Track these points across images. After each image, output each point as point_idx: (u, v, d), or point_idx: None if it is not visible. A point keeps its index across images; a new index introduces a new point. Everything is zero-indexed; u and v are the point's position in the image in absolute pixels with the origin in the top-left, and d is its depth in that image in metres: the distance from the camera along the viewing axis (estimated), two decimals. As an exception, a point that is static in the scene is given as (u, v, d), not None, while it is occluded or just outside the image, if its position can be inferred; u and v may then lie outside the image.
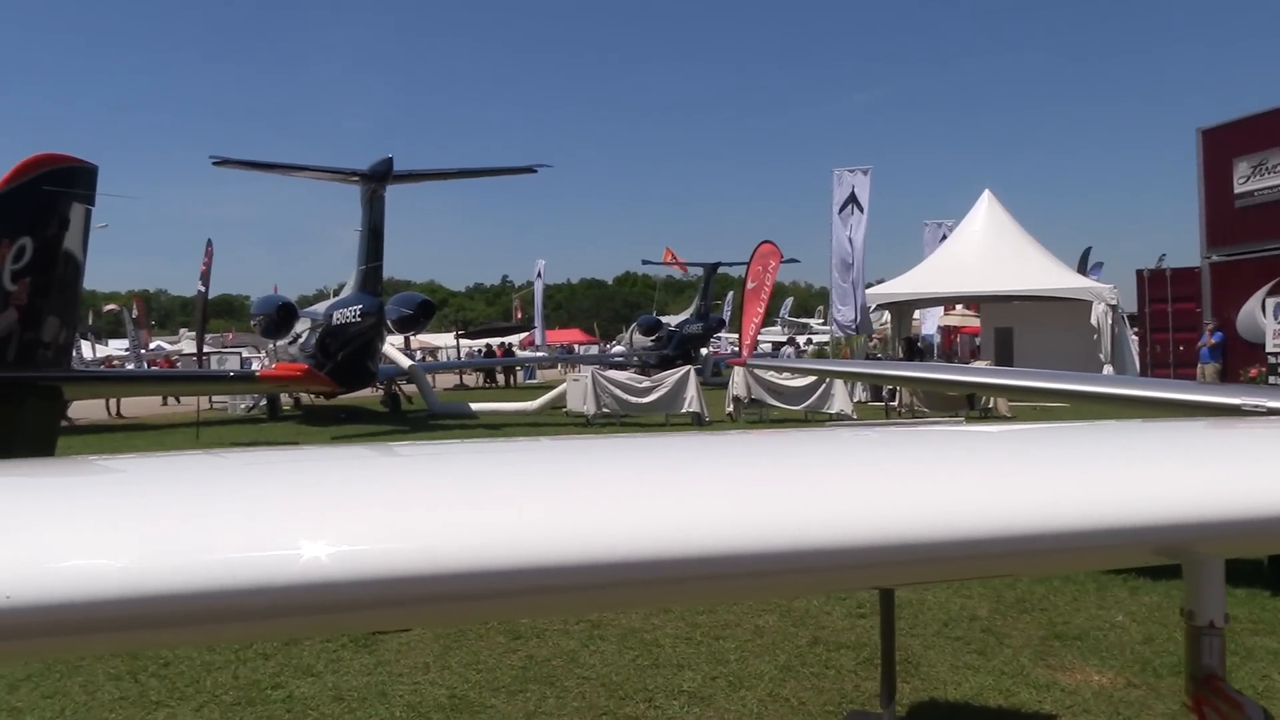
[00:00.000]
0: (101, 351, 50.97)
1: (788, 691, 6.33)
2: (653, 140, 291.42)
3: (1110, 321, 29.64)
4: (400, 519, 1.54)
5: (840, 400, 24.64)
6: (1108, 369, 28.30)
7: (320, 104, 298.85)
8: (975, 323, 45.54)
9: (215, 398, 33.18)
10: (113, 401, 32.67)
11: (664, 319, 51.87)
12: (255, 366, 35.41)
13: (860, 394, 29.23)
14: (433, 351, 59.11)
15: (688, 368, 26.90)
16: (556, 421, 26.50)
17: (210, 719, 5.94)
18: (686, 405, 25.04)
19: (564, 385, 28.34)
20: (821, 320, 72.85)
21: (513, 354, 53.60)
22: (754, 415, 25.60)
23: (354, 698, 6.26)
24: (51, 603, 1.34)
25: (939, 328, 49.66)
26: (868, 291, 32.87)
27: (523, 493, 1.71)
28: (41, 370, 8.41)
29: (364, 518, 1.54)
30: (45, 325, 8.40)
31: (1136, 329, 30.07)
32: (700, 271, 50.99)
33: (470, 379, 49.55)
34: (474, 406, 29.89)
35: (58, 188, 8.54)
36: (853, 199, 31.63)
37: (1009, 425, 8.55)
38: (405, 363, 33.62)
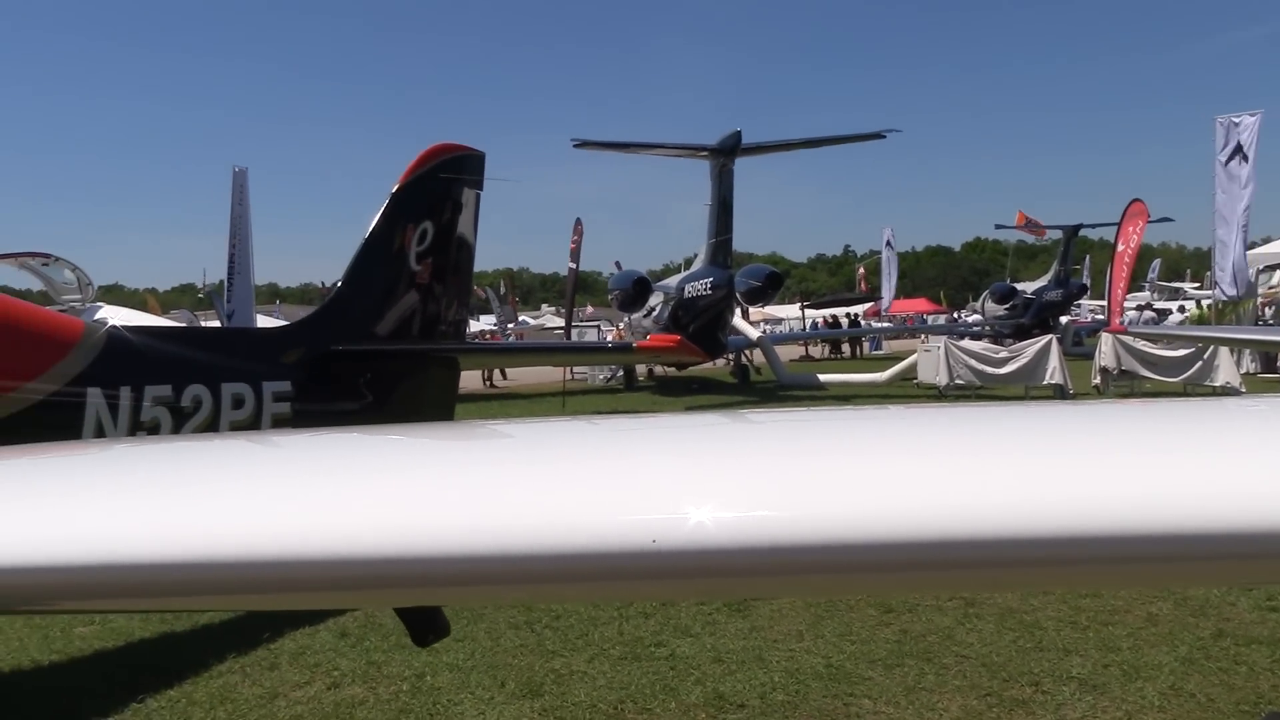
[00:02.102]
0: (475, 326, 55.30)
1: (1192, 686, 5.84)
2: (1005, 93, 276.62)
3: None
4: (788, 487, 1.51)
5: (1226, 371, 22.36)
6: None
7: (660, 80, 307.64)
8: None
9: (577, 369, 35.10)
10: (487, 372, 35.33)
11: (1018, 286, 49.30)
12: (609, 339, 37.05)
13: (1249, 364, 26.45)
14: (775, 323, 59.48)
15: (1049, 337, 25.39)
16: (907, 393, 25.90)
17: (600, 670, 6.28)
18: (1048, 377, 23.64)
19: (915, 355, 27.59)
20: (1197, 284, 66.50)
21: (858, 325, 52.90)
22: (1124, 387, 23.79)
23: (732, 660, 6.41)
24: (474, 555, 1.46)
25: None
26: (1253, 252, 29.62)
27: (898, 462, 1.64)
28: (441, 343, 9.19)
29: (748, 484, 1.53)
30: (444, 302, 9.17)
31: None
32: (1059, 235, 47.97)
33: (815, 350, 49.45)
34: (821, 378, 29.78)
35: (452, 174, 9.25)
36: (1239, 149, 28.53)
37: None
38: (753, 334, 34.01)
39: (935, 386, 24.78)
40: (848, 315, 55.64)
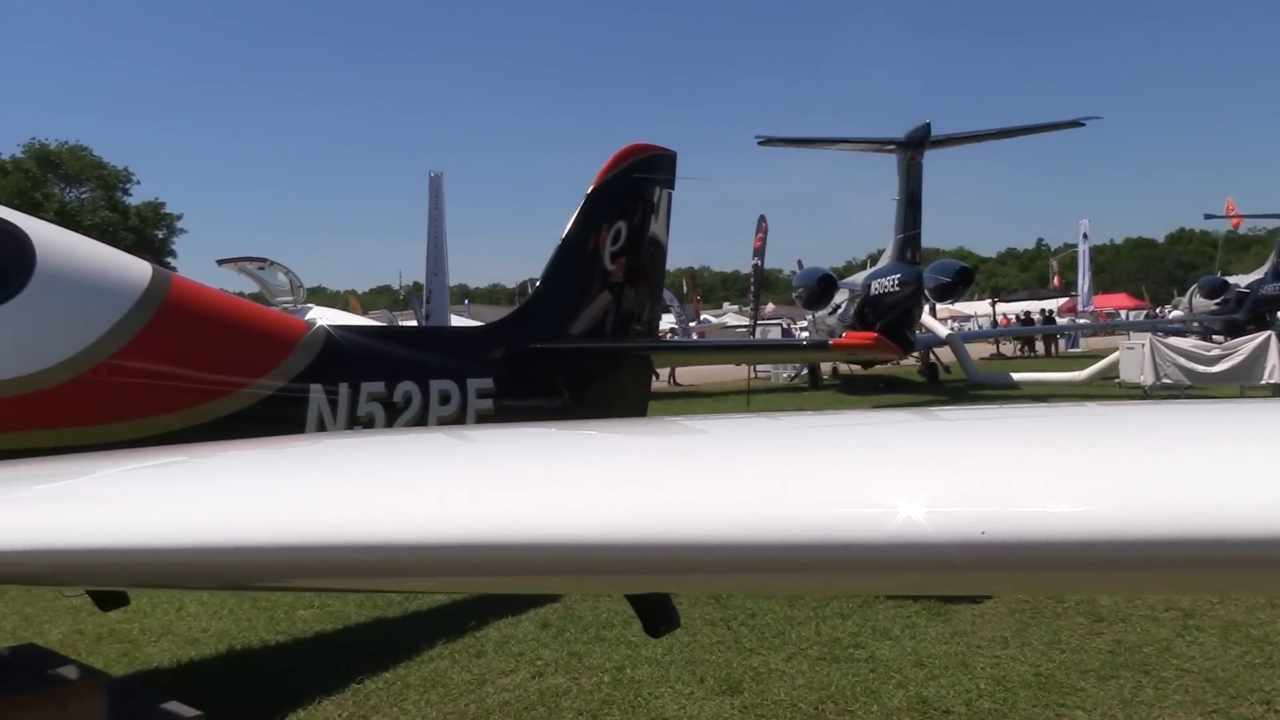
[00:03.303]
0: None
1: None
2: (1214, 71, 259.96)
3: None
4: (996, 481, 1.47)
5: None
6: None
7: (844, 74, 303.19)
8: None
9: (759, 367, 34.99)
10: (670, 370, 35.60)
11: (1230, 279, 46.32)
12: (803, 336, 36.76)
13: None
14: (963, 320, 57.75)
15: (1267, 333, 23.76)
16: (1108, 393, 24.71)
17: (798, 669, 6.24)
18: (1267, 375, 22.15)
19: (1116, 353, 26.30)
20: None
21: (1053, 321, 50.80)
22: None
23: (935, 665, 6.26)
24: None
25: None
26: None
27: (1116, 456, 1.57)
28: (635, 341, 9.32)
29: (953, 480, 1.51)
30: (637, 301, 9.29)
31: None
32: (1278, 224, 44.81)
33: (1007, 348, 47.80)
34: (1015, 376, 28.74)
35: (645, 174, 9.36)
36: None
37: None
38: (943, 331, 33.13)
39: (1140, 386, 23.55)
40: (1042, 312, 53.54)
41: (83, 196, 60.62)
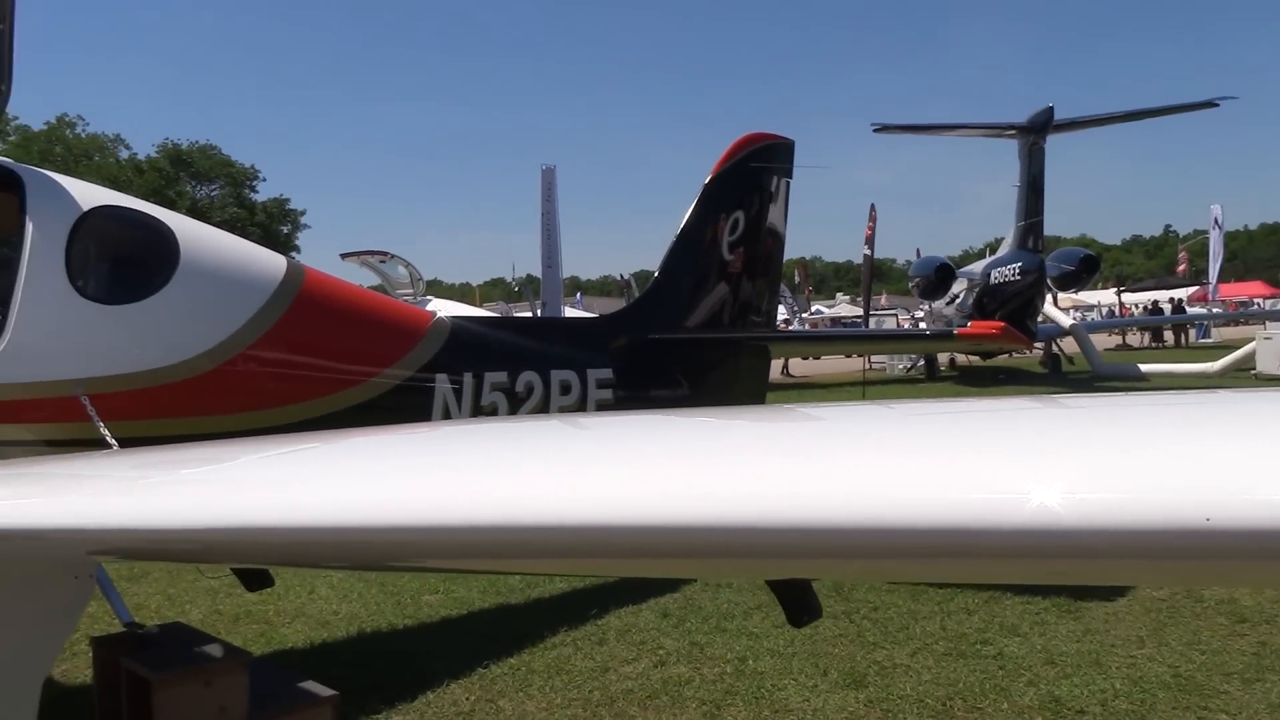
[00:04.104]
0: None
1: None
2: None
3: None
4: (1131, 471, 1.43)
5: None
6: None
7: (960, 59, 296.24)
8: None
9: (874, 358, 34.49)
10: (780, 360, 35.36)
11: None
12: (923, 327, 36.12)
13: None
14: (1086, 309, 56.03)
15: None
16: (1243, 385, 23.70)
17: (924, 665, 6.14)
18: None
19: (1253, 344, 25.22)
20: None
21: (1183, 311, 48.91)
22: None
23: (1067, 663, 6.09)
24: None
25: None
26: None
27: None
28: (752, 332, 9.27)
29: (1090, 467, 1.48)
30: (755, 292, 9.23)
31: None
32: None
33: (1134, 338, 46.21)
34: (1143, 368, 27.76)
35: (762, 164, 9.29)
36: None
37: None
38: (1066, 322, 32.18)
39: (1278, 377, 22.55)
40: (1170, 300, 51.60)
41: (212, 194, 62.97)
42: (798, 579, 2.58)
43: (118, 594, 5.53)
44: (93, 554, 3.25)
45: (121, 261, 5.53)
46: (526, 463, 2.44)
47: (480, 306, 37.60)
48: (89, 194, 5.35)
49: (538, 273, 23.54)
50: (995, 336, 8.19)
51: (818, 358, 32.96)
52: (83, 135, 58.43)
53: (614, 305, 49.75)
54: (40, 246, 4.87)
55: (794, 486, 1.63)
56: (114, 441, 4.68)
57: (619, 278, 58.47)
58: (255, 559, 3.52)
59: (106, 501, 2.75)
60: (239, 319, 5.52)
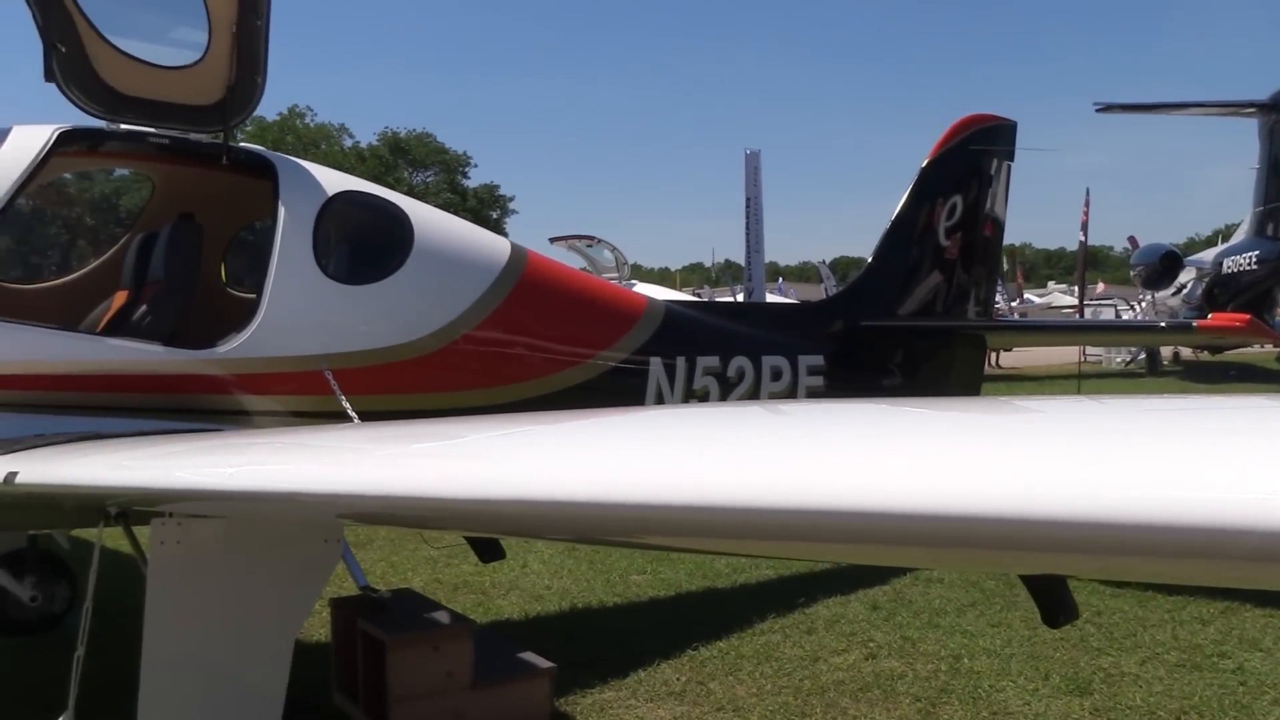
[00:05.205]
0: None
1: None
2: None
3: None
4: None
5: None
6: None
7: (1186, 35, 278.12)
8: None
9: (1090, 351, 32.90)
10: (991, 352, 34.17)
11: None
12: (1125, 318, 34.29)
13: None
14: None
15: None
16: None
17: (1154, 675, 5.82)
18: None
19: None
20: None
21: None
22: None
23: (1315, 683, 5.65)
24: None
25: None
26: None
27: None
28: (967, 320, 8.98)
29: None
30: (972, 281, 8.95)
31: None
32: None
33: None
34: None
35: (983, 146, 8.99)
36: None
37: None
38: (1308, 315, 29.83)
39: None
40: None
41: (427, 180, 65.80)
42: (1051, 576, 2.48)
43: (354, 559, 5.84)
44: (342, 516, 3.48)
45: (362, 244, 5.83)
46: (742, 444, 2.46)
47: (681, 291, 37.90)
48: (333, 180, 5.67)
49: (735, 258, 23.52)
50: (1240, 330, 7.64)
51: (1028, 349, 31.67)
52: (311, 125, 62.12)
53: (813, 291, 49.21)
54: (290, 230, 5.19)
55: (1027, 476, 1.58)
56: (354, 415, 4.95)
57: (820, 262, 57.72)
58: (485, 528, 3.69)
59: (354, 470, 2.93)
60: (467, 300, 5.73)
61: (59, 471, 3.52)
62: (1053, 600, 2.53)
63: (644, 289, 19.82)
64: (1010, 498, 1.49)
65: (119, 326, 5.23)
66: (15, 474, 3.31)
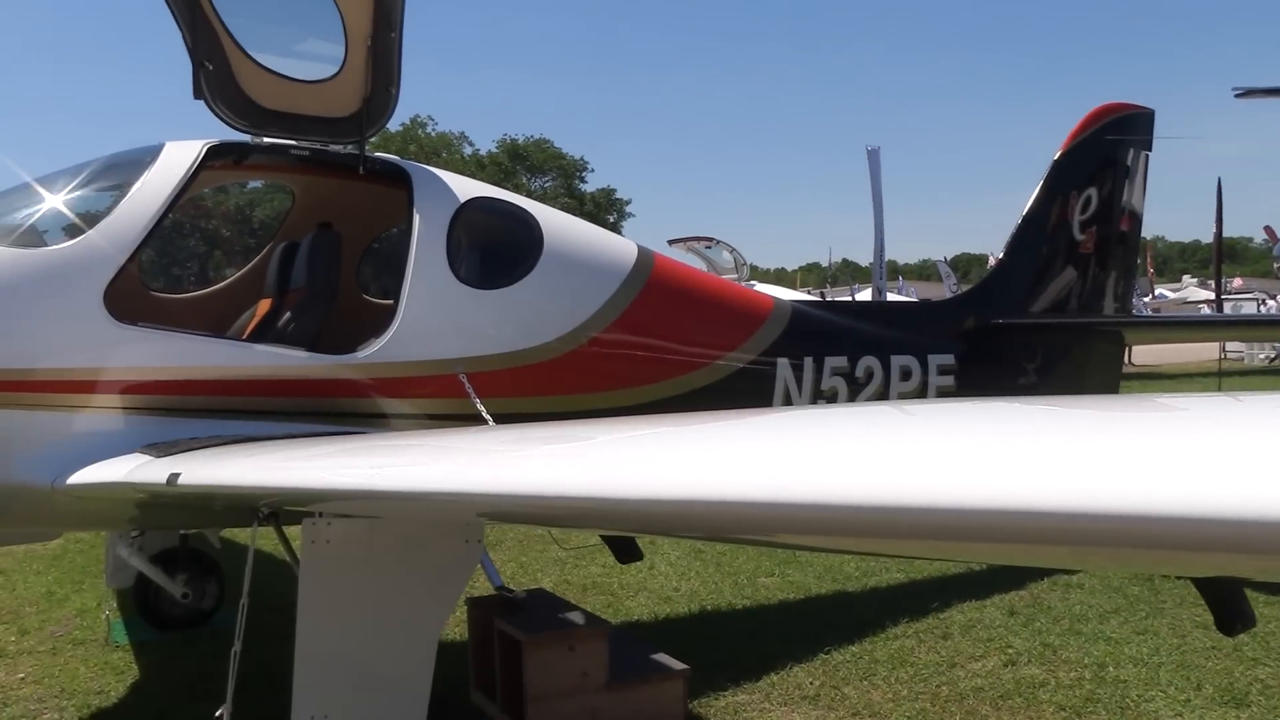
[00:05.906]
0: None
1: None
2: None
3: None
4: None
5: None
6: None
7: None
8: None
9: (1229, 347, 31.54)
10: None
11: None
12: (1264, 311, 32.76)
13: None
14: None
15: None
16: None
17: (1317, 688, 5.53)
18: None
19: None
20: None
21: None
22: None
23: None
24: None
25: None
26: None
27: None
28: (1103, 316, 8.69)
29: None
30: (1107, 276, 8.65)
31: None
32: None
33: None
34: None
35: (1119, 136, 8.69)
36: None
37: None
38: None
39: None
40: None
41: (545, 185, 66.54)
42: (1227, 582, 2.37)
43: (490, 560, 5.93)
44: (483, 516, 3.54)
45: (494, 249, 5.91)
46: (872, 445, 2.42)
47: (799, 291, 37.59)
48: (465, 186, 5.77)
49: (851, 256, 23.25)
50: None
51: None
52: (432, 134, 63.38)
53: (933, 290, 48.22)
54: (425, 236, 5.30)
55: (1180, 473, 1.52)
56: (489, 417, 5.02)
57: (941, 260, 56.51)
58: (620, 526, 3.71)
59: (495, 470, 2.98)
60: (596, 302, 5.77)
61: (216, 473, 3.66)
62: (1229, 607, 2.42)
63: (765, 289, 19.70)
64: (1175, 497, 1.44)
65: (264, 333, 5.42)
66: (178, 475, 3.45)
